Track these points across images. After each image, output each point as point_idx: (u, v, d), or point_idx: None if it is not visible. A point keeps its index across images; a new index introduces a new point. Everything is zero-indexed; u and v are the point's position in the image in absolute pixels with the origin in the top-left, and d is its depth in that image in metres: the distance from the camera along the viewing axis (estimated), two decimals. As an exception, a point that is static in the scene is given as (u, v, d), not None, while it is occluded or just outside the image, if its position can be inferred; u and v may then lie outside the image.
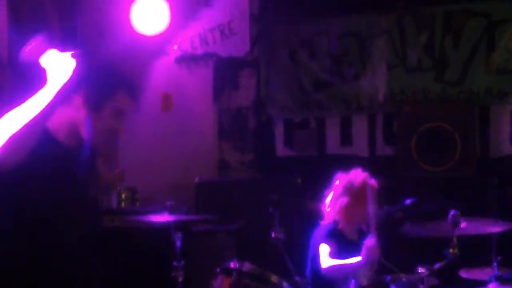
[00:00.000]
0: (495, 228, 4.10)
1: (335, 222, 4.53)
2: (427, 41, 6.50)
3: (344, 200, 4.53)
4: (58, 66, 2.41)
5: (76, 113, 2.62)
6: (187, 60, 7.17)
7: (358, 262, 4.10)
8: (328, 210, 4.60)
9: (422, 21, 6.51)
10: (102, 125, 2.66)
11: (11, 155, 2.31)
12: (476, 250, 4.31)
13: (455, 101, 6.41)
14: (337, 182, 4.62)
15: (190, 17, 7.14)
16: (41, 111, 2.35)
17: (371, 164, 6.19)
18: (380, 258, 4.08)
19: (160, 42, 7.12)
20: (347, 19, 6.73)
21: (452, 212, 4.04)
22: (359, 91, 6.69)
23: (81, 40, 6.54)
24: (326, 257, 4.28)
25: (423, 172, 6.30)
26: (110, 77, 2.62)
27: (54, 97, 2.38)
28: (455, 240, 3.93)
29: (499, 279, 4.02)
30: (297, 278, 4.21)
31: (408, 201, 4.53)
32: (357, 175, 4.59)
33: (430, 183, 6.21)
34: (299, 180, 6.25)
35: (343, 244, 4.42)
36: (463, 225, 4.01)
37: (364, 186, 4.51)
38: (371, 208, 4.48)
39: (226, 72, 7.12)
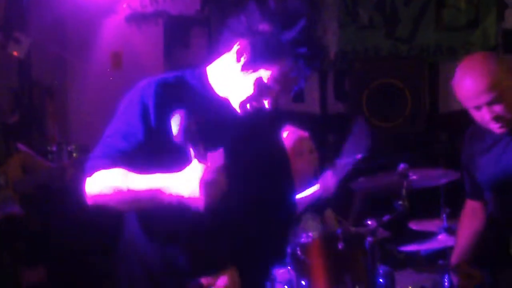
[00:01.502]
0: (443, 179, 4.16)
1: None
2: (378, -3, 6.50)
3: None
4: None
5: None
6: (137, 18, 7.04)
7: (314, 192, 4.14)
8: None
9: (374, -23, 6.50)
10: None
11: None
12: (425, 203, 4.37)
13: (406, 58, 6.44)
14: None
15: (139, -26, 7.02)
16: None
17: (322, 121, 6.24)
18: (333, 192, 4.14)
19: (110, 1, 6.98)
20: (298, -24, 6.67)
21: (401, 166, 4.09)
22: (311, 49, 6.66)
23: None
24: None
25: (374, 128, 6.32)
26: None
27: None
28: (404, 192, 3.99)
29: (448, 230, 4.11)
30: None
31: (358, 156, 4.55)
32: (288, 132, 4.64)
33: (380, 139, 6.23)
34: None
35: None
36: (412, 177, 4.07)
37: (295, 141, 4.56)
38: (310, 159, 4.52)
39: (176, 31, 7.02)
